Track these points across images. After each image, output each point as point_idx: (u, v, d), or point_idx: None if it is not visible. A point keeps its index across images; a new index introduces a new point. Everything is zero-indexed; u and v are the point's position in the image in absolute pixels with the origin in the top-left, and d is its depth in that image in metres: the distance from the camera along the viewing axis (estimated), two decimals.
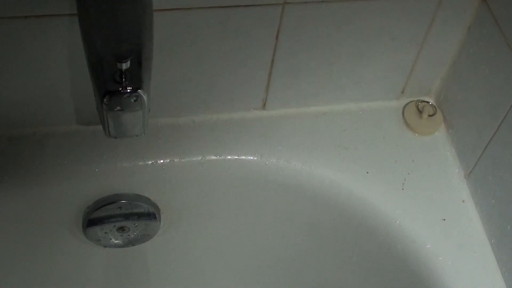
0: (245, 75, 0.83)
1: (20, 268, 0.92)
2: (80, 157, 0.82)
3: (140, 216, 0.87)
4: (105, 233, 0.88)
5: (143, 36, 0.62)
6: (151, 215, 0.87)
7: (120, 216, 0.86)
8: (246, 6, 0.74)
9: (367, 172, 0.86)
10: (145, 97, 0.61)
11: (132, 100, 0.60)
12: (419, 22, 0.82)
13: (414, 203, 0.84)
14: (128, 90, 0.60)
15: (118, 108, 0.61)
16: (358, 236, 0.88)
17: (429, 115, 0.91)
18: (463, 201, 0.86)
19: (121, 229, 0.88)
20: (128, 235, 0.89)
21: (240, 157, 0.86)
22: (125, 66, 0.59)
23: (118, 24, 0.62)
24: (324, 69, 0.85)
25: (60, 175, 0.81)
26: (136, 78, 0.60)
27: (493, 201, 0.81)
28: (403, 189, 0.86)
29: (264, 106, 0.89)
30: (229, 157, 0.85)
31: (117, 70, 0.60)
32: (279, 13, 0.76)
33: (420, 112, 0.91)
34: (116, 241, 0.90)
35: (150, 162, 0.83)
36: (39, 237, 0.89)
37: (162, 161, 0.84)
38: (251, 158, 0.86)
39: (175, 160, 0.84)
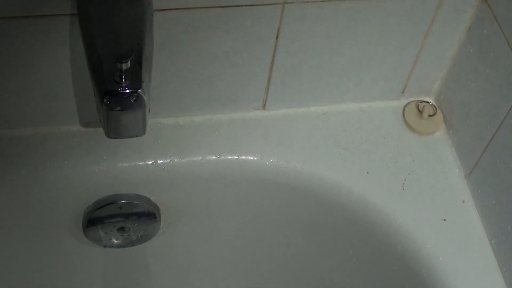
0: (245, 75, 0.83)
1: (20, 268, 0.92)
2: (80, 157, 0.82)
3: (140, 216, 0.87)
4: (105, 233, 0.88)
5: (143, 36, 0.62)
6: (151, 215, 0.87)
7: (120, 216, 0.86)
8: (246, 6, 0.74)
9: (367, 172, 0.86)
10: (145, 97, 0.61)
11: (132, 100, 0.60)
12: (419, 22, 0.82)
13: (414, 203, 0.84)
14: (128, 90, 0.60)
15: (118, 108, 0.61)
16: (358, 236, 0.88)
17: (429, 115, 0.91)
18: (463, 201, 0.86)
19: (121, 229, 0.88)
20: (128, 235, 0.89)
21: (240, 157, 0.86)
22: (125, 66, 0.59)
23: (118, 24, 0.63)
24: (324, 69, 0.85)
25: (60, 175, 0.81)
26: (136, 78, 0.60)
27: (493, 201, 0.81)
28: (403, 189, 0.86)
29: (264, 106, 0.89)
30: (229, 157, 0.85)
31: (117, 70, 0.60)
32: (279, 13, 0.76)
33: (420, 112, 0.91)
34: (116, 241, 0.90)
35: (150, 162, 0.83)
36: (39, 237, 0.89)
37: (162, 161, 0.84)
38: (251, 158, 0.86)
39: (175, 160, 0.84)
